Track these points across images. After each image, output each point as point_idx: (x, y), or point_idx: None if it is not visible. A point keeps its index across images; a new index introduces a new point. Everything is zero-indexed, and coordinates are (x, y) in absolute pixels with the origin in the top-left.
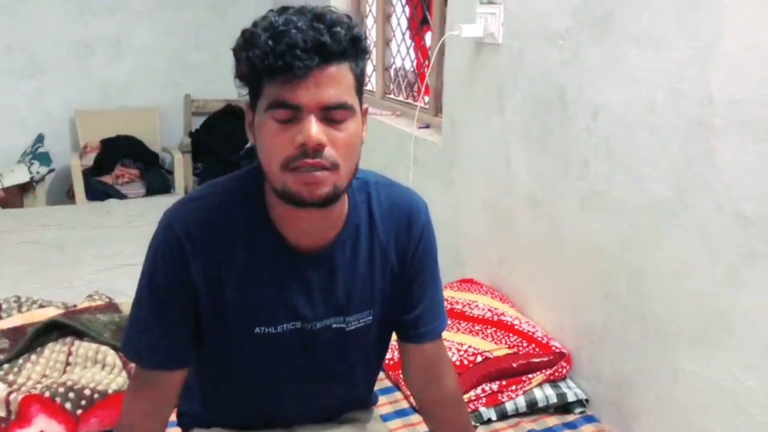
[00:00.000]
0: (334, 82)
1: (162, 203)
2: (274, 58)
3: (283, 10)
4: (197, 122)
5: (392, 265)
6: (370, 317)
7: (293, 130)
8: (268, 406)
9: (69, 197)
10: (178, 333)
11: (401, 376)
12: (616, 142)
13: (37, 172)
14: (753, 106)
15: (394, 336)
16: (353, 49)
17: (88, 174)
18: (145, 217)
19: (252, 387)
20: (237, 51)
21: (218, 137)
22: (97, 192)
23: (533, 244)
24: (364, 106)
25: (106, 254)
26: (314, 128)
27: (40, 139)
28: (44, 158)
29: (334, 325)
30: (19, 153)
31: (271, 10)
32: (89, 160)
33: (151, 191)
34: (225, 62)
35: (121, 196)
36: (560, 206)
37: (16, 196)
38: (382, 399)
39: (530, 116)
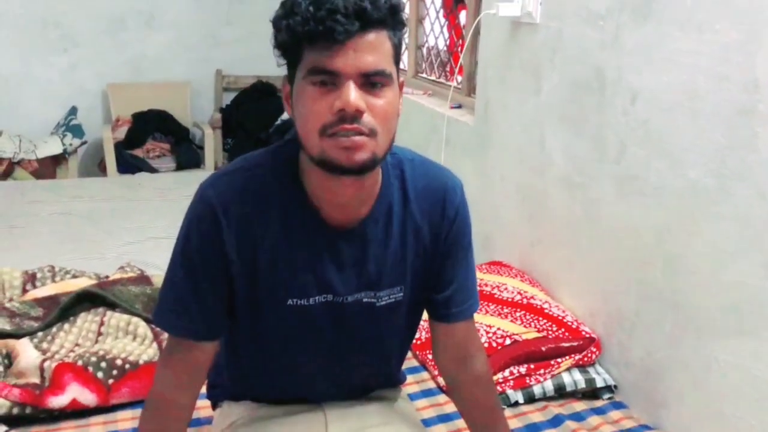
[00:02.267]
0: (374, 49)
1: (192, 178)
2: (315, 23)
3: None
4: (228, 98)
5: (425, 243)
6: (401, 294)
7: (332, 96)
8: (298, 381)
9: (100, 169)
10: (210, 304)
11: (430, 355)
12: (654, 126)
13: (70, 144)
14: None
15: (423, 315)
16: (392, 18)
17: (120, 147)
18: (175, 191)
19: (282, 361)
20: (277, 20)
21: (248, 113)
22: (129, 165)
23: (567, 228)
24: (401, 79)
25: (137, 227)
26: (353, 94)
27: (73, 111)
28: (77, 130)
29: (365, 300)
30: (52, 125)
31: None
32: (121, 133)
33: (181, 165)
34: (257, 39)
35: (152, 170)
36: (596, 190)
37: (49, 167)
38: (409, 378)
39: (567, 98)
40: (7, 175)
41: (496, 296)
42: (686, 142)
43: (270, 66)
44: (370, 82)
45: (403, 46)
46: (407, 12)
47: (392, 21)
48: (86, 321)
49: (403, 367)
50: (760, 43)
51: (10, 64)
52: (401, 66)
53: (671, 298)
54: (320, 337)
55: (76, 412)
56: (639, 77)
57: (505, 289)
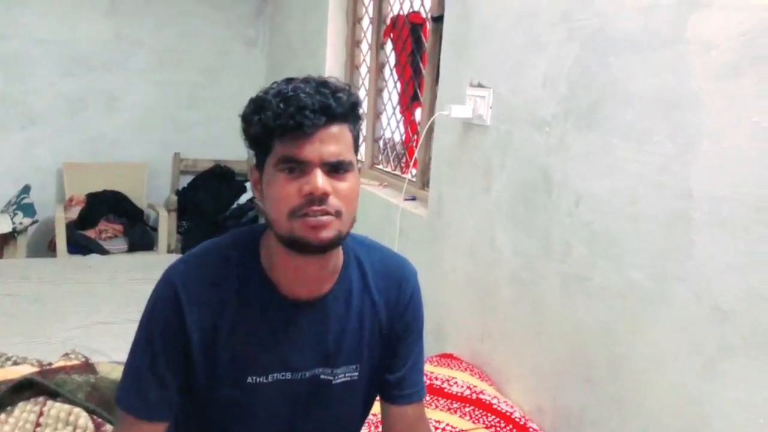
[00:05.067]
0: (337, 140)
1: (144, 260)
2: (286, 118)
3: (290, 80)
4: (185, 181)
5: (381, 323)
6: (357, 373)
7: (300, 182)
8: None
9: (50, 249)
10: (171, 385)
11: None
12: (598, 228)
13: (20, 223)
14: (730, 203)
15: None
16: (353, 112)
17: (72, 227)
18: (125, 274)
19: None
20: (248, 115)
21: (205, 196)
22: (80, 246)
23: (515, 323)
24: (360, 164)
25: (86, 310)
26: (320, 179)
27: (26, 190)
28: (28, 209)
29: (321, 376)
30: (3, 203)
31: (276, 81)
32: (74, 213)
33: (133, 247)
34: (216, 123)
35: (104, 251)
36: (543, 287)
37: None
38: None
39: (516, 197)
40: None
41: (445, 390)
42: (628, 244)
43: (228, 150)
44: (334, 168)
45: (360, 138)
46: (365, 108)
47: (352, 115)
48: (24, 411)
49: None
50: (694, 155)
51: None
52: (359, 156)
53: (617, 397)
54: (275, 414)
55: None
56: (583, 181)
57: (455, 383)
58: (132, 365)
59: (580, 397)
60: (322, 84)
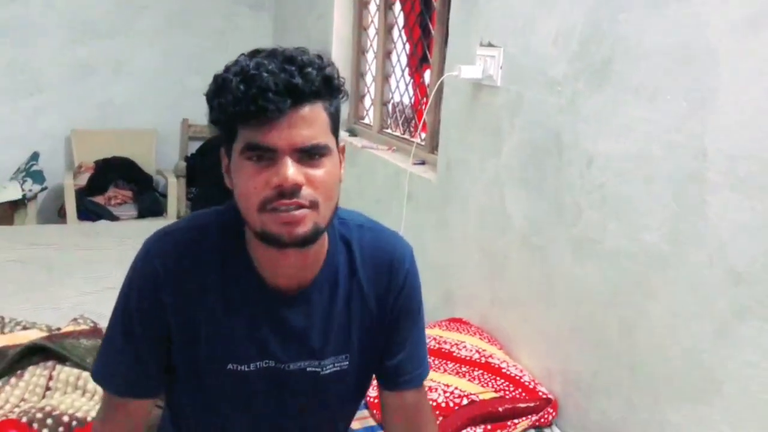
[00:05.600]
0: (308, 123)
1: (153, 226)
2: (246, 103)
3: (255, 52)
4: (194, 147)
5: (371, 311)
6: (347, 362)
7: (269, 172)
8: None
9: (60, 216)
10: (148, 362)
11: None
12: (610, 190)
13: (30, 190)
14: (747, 162)
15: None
16: (326, 89)
17: (81, 194)
18: (135, 240)
19: (224, 422)
20: (209, 97)
21: (214, 162)
22: (89, 212)
23: (526, 287)
24: (341, 144)
25: (94, 276)
26: (290, 169)
27: (34, 157)
28: (38, 176)
29: (308, 369)
30: (13, 170)
31: (243, 54)
32: (83, 179)
33: (143, 214)
34: None
35: (113, 218)
36: (553, 251)
37: (7, 212)
38: None
39: (526, 160)
40: None
41: (454, 354)
42: (641, 206)
43: None
44: (307, 154)
45: (368, 102)
46: (373, 70)
47: (327, 91)
48: (34, 375)
49: (360, 426)
50: (709, 112)
51: None
52: (367, 120)
53: (628, 361)
54: (264, 402)
55: None
56: (595, 142)
57: (464, 347)
58: (109, 339)
59: (590, 361)
60: (288, 59)
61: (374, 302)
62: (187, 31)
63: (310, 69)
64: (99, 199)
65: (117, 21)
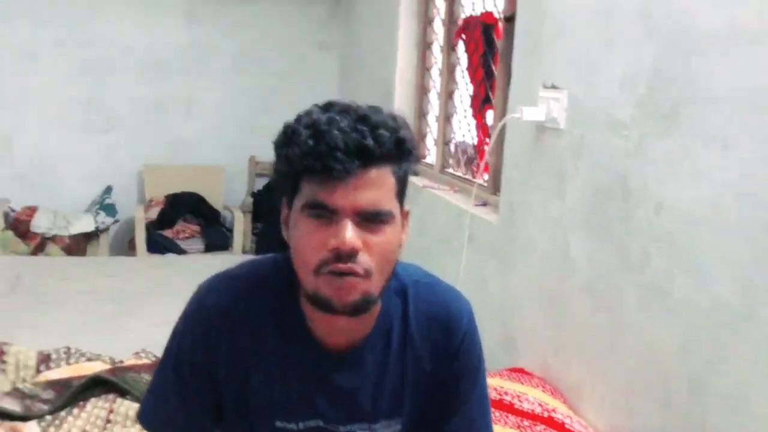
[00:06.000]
0: (374, 187)
1: (219, 260)
2: (314, 158)
3: (329, 106)
4: (260, 183)
5: (426, 372)
6: (399, 426)
7: (328, 232)
8: None
9: (130, 248)
10: (196, 409)
11: None
12: (679, 238)
13: (103, 222)
14: None
15: None
16: (397, 152)
17: (151, 227)
18: (202, 274)
19: None
20: (277, 146)
21: (279, 200)
22: (158, 245)
23: (590, 336)
24: (406, 208)
25: (161, 309)
26: (349, 233)
27: (108, 191)
28: (110, 209)
29: (359, 431)
30: (87, 202)
31: (316, 105)
32: (153, 213)
33: (210, 248)
34: None
35: (181, 251)
36: (619, 299)
37: (81, 243)
38: None
39: (591, 204)
40: (39, 249)
41: (516, 407)
42: (711, 257)
43: None
44: (369, 219)
45: (431, 142)
46: (436, 110)
47: (397, 155)
48: (96, 407)
49: None
50: None
51: (53, 142)
52: (429, 160)
53: (699, 422)
54: None
55: None
56: (663, 188)
57: (526, 399)
58: (158, 381)
59: (658, 418)
60: (361, 118)
61: (429, 363)
62: (255, 70)
63: (382, 130)
64: (168, 233)
65: (188, 61)
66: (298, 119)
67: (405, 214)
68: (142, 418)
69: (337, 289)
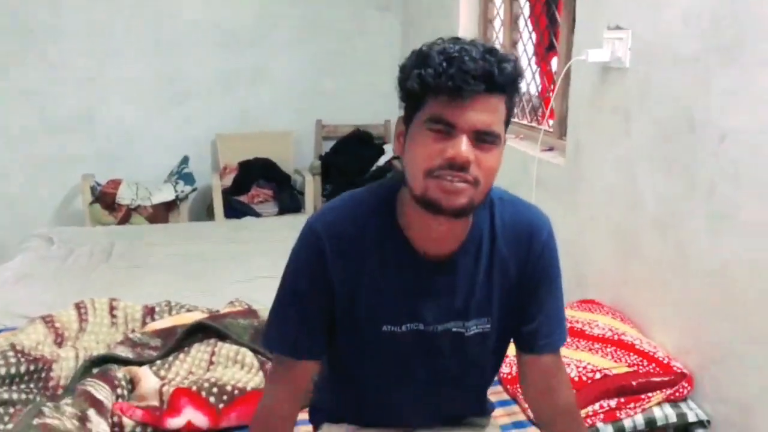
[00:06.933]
0: (491, 111)
1: (293, 221)
2: (446, 78)
3: (456, 39)
4: (327, 146)
5: (511, 278)
6: (488, 325)
7: (445, 144)
8: (390, 409)
9: (208, 214)
10: (313, 325)
11: (519, 388)
12: (743, 164)
13: (182, 191)
14: None
15: (512, 350)
16: (512, 86)
17: (227, 193)
18: (278, 234)
19: (375, 388)
20: (408, 67)
21: (346, 160)
22: (235, 210)
23: (658, 265)
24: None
25: (244, 267)
26: (465, 146)
27: (185, 160)
28: (188, 178)
29: (453, 329)
30: (166, 173)
31: (441, 39)
32: (228, 180)
33: (283, 210)
34: (354, 90)
35: (256, 215)
36: (686, 228)
37: (163, 212)
38: (500, 411)
39: (657, 139)
40: (125, 220)
41: (586, 332)
42: None
43: (367, 115)
44: (482, 138)
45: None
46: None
47: (512, 89)
48: (199, 351)
49: (495, 400)
50: None
51: (131, 118)
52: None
53: (764, 333)
54: (411, 365)
55: None
56: (727, 118)
57: (596, 325)
58: (277, 305)
59: (727, 335)
60: (489, 51)
61: (514, 269)
62: (318, 37)
63: (506, 64)
64: (243, 198)
65: (254, 32)
66: (429, 46)
67: (503, 142)
68: (265, 341)
69: (446, 192)
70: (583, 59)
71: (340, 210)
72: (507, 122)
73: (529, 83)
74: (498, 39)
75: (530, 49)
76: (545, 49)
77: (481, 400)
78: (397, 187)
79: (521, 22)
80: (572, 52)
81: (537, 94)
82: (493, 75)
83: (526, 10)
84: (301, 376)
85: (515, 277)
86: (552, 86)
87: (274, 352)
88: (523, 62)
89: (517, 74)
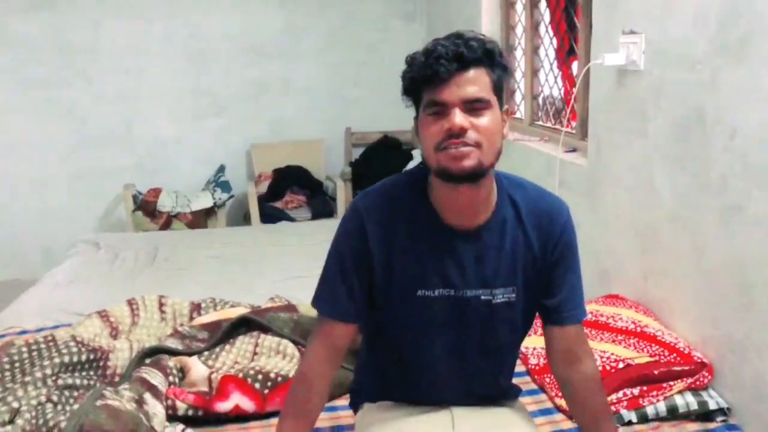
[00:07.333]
0: (472, 82)
1: (326, 226)
2: (425, 68)
3: (437, 39)
4: (357, 153)
5: (534, 254)
6: (514, 294)
7: (443, 121)
8: (426, 381)
9: (245, 220)
10: (354, 288)
11: (548, 379)
12: (753, 158)
13: (219, 198)
14: None
15: (540, 342)
16: (487, 58)
17: (262, 200)
18: (311, 237)
19: (411, 357)
20: (403, 73)
21: (376, 166)
22: (270, 216)
23: (676, 259)
24: (506, 107)
25: (281, 268)
26: (458, 117)
27: (221, 169)
28: (225, 186)
29: (482, 297)
30: (204, 181)
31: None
32: (263, 187)
33: (316, 215)
34: (381, 97)
35: (291, 220)
36: (701, 221)
37: (202, 218)
38: (528, 399)
39: (671, 138)
40: (166, 226)
41: (610, 325)
42: None
43: (394, 122)
44: (473, 107)
45: (519, 97)
46: (522, 66)
47: (488, 61)
48: (243, 343)
49: (524, 389)
50: None
51: (169, 130)
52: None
53: None
54: (443, 327)
55: (238, 416)
56: (737, 115)
57: (620, 318)
58: (325, 275)
59: (743, 324)
60: (457, 36)
61: (538, 247)
62: (345, 47)
63: (473, 42)
64: (278, 204)
65: (283, 44)
66: (416, 52)
67: (506, 111)
68: (315, 302)
69: (453, 158)
70: (600, 63)
71: (379, 189)
72: (497, 90)
73: (552, 87)
74: (520, 44)
75: (552, 53)
76: (566, 53)
77: (508, 373)
78: (428, 171)
79: (542, 28)
80: (591, 55)
81: (560, 96)
82: (462, 53)
83: (547, 17)
84: (339, 338)
85: (539, 254)
86: (573, 89)
87: (319, 314)
88: (545, 66)
89: (486, 48)
